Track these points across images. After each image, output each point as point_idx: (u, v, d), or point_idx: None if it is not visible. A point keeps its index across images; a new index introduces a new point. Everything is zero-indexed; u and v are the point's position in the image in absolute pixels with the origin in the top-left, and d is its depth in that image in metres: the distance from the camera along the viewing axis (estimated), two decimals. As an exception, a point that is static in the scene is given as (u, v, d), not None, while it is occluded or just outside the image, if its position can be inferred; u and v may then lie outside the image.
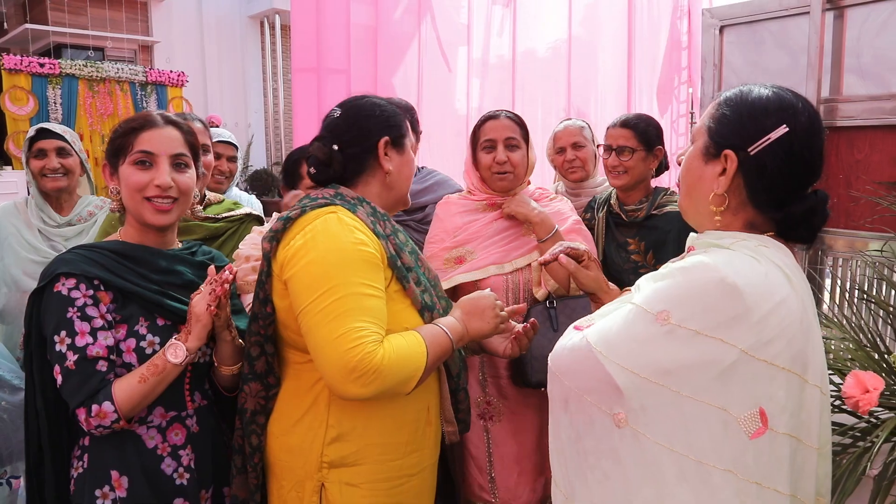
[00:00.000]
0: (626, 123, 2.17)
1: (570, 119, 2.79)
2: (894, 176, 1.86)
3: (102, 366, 1.31)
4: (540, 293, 1.94)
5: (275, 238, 1.36)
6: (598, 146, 2.58)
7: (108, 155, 1.45)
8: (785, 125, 1.03)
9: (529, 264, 1.97)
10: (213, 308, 1.37)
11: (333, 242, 1.28)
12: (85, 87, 6.21)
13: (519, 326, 1.54)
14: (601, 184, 2.65)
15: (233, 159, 2.81)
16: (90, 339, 1.31)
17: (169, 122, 1.45)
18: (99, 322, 1.33)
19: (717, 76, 2.37)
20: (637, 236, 2.14)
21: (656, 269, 1.98)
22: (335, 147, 1.45)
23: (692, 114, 4.43)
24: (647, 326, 1.01)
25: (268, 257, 1.37)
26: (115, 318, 1.36)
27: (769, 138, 1.03)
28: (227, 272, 1.39)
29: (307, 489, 1.40)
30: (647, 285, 1.08)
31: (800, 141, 1.04)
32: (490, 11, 3.97)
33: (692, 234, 1.17)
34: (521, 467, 1.98)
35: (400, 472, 1.42)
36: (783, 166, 1.04)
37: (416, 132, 2.46)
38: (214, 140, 2.53)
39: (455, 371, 1.51)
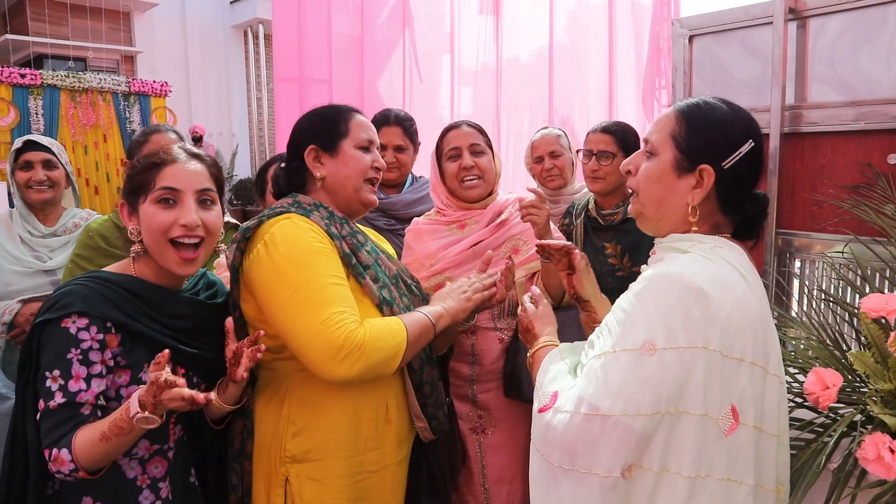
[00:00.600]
0: (606, 129, 2.23)
1: (547, 128, 2.83)
2: (857, 180, 1.92)
3: (86, 410, 1.24)
4: None
5: (238, 248, 1.43)
6: (577, 152, 2.61)
7: (127, 193, 1.36)
8: (751, 140, 1.12)
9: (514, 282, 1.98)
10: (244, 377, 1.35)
11: (293, 243, 1.36)
12: (67, 97, 6.18)
13: (498, 274, 1.61)
14: (579, 190, 2.69)
15: None
16: (83, 386, 1.23)
17: (193, 156, 1.38)
18: (98, 368, 1.25)
19: (688, 84, 2.42)
20: (614, 240, 2.18)
21: (633, 271, 2.03)
22: (282, 164, 1.58)
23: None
24: (637, 364, 1.01)
25: (234, 266, 1.44)
26: (118, 363, 1.29)
27: (740, 152, 1.11)
28: (254, 351, 1.34)
29: (273, 483, 1.46)
30: (612, 324, 1.10)
31: (759, 151, 1.13)
32: (474, 20, 4.01)
33: (657, 238, 1.21)
34: (513, 475, 1.99)
35: (361, 469, 1.48)
36: (749, 175, 1.13)
37: (415, 143, 2.51)
38: None
39: (417, 365, 1.54)
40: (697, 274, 1.04)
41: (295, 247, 1.36)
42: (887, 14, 1.91)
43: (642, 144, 1.21)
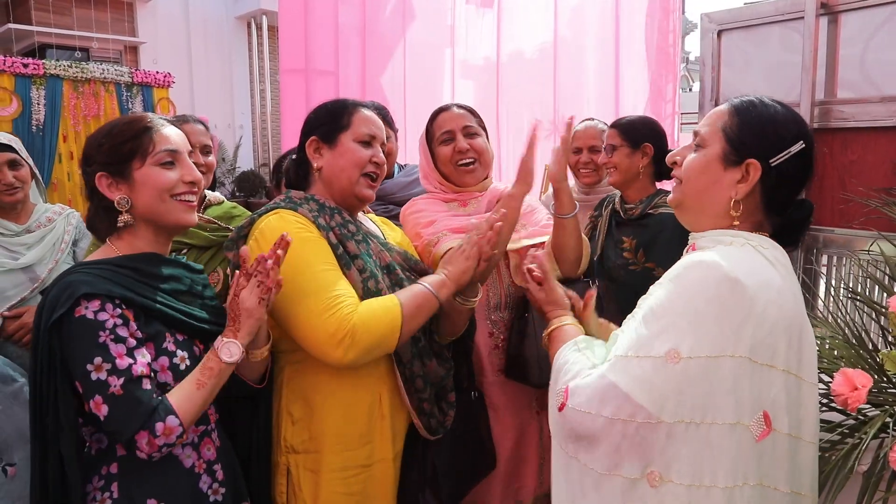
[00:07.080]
0: (613, 124, 2.25)
1: (593, 119, 2.69)
2: (887, 176, 1.89)
3: (147, 384, 1.19)
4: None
5: (235, 246, 1.47)
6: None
7: (109, 163, 1.29)
8: (801, 141, 1.11)
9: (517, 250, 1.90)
10: (265, 301, 1.28)
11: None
12: (69, 87, 6.13)
13: None
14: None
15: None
16: (131, 360, 1.18)
17: (174, 122, 1.37)
18: (132, 342, 1.21)
19: (716, 79, 2.40)
20: (631, 234, 2.16)
21: (646, 267, 2.01)
22: (293, 157, 1.61)
23: (680, 114, 4.43)
24: (661, 371, 1.01)
25: (234, 265, 1.46)
26: (141, 337, 1.24)
27: (790, 152, 1.10)
28: (269, 261, 1.27)
29: (278, 472, 1.52)
30: (639, 323, 1.08)
31: (809, 155, 1.12)
32: (476, 13, 3.97)
33: (694, 234, 1.19)
34: (495, 471, 1.93)
35: (356, 463, 1.50)
36: (796, 176, 1.12)
37: (394, 130, 2.45)
38: None
39: (406, 358, 1.53)
40: (736, 265, 1.02)
41: None
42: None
43: (692, 137, 1.20)
